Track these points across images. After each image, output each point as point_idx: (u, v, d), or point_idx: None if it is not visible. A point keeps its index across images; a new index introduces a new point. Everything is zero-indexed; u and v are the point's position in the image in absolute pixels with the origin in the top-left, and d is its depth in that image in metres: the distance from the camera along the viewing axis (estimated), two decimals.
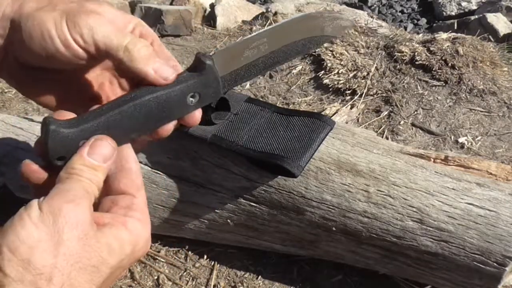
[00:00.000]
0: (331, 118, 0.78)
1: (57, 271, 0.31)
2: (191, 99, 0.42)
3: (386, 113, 1.25)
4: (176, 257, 0.91)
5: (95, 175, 0.38)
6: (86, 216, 0.35)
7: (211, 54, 0.43)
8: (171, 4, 1.88)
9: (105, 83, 0.48)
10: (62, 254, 0.32)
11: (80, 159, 0.38)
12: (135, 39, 0.42)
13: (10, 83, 0.47)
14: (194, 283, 0.88)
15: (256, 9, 1.99)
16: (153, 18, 1.68)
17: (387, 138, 1.18)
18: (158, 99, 0.40)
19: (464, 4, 2.47)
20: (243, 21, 1.79)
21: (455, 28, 2.09)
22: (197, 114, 0.45)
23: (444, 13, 2.49)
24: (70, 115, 0.40)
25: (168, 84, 0.41)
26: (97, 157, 0.38)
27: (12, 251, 0.31)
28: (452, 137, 1.18)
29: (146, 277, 0.89)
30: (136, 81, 0.43)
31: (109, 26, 0.41)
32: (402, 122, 1.22)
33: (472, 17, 2.07)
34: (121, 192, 0.40)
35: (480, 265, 0.69)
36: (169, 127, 0.44)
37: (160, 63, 0.42)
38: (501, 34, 1.81)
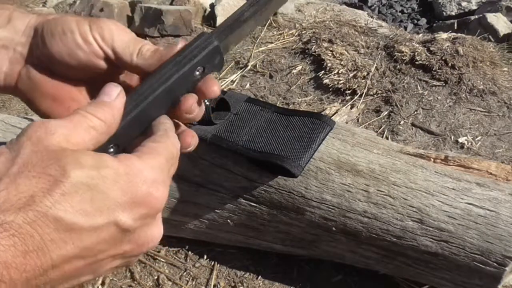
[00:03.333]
0: (331, 118, 0.78)
1: (6, 177, 0.28)
2: (196, 73, 0.42)
3: (386, 113, 1.25)
4: (176, 257, 0.91)
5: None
6: (51, 126, 0.31)
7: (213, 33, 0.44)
8: (171, 4, 1.88)
9: None
10: (16, 163, 0.29)
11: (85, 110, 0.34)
12: (146, 45, 0.43)
13: (22, 96, 0.46)
14: (194, 283, 0.88)
15: None
16: (153, 18, 1.68)
17: (387, 138, 1.18)
18: (171, 85, 0.40)
19: (464, 4, 2.46)
20: None
21: (455, 28, 2.09)
22: (212, 82, 0.43)
23: (444, 13, 2.49)
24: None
25: (177, 59, 0.41)
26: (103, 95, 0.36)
27: None
28: (452, 137, 1.18)
29: (146, 277, 0.89)
30: None
31: (126, 34, 0.43)
32: (402, 122, 1.22)
33: (472, 17, 2.07)
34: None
35: (480, 265, 0.69)
36: (190, 102, 0.41)
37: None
38: (501, 34, 1.81)
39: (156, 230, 0.36)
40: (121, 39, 0.42)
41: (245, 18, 0.46)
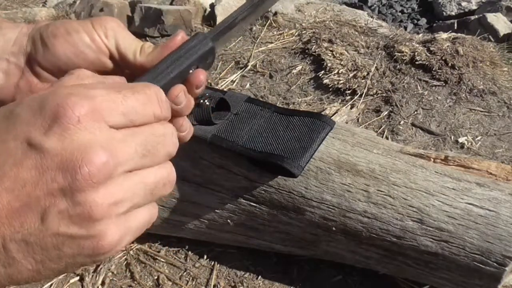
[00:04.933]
0: (331, 118, 0.78)
1: None
2: (190, 71, 0.44)
3: (386, 113, 1.25)
4: (176, 257, 0.91)
5: None
6: None
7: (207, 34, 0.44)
8: (171, 4, 1.88)
9: None
10: None
11: None
12: (147, 43, 0.44)
13: None
14: (194, 283, 0.88)
15: None
16: (153, 18, 1.68)
17: (387, 138, 1.18)
18: (168, 84, 0.41)
19: (464, 4, 2.47)
20: None
21: (455, 28, 2.09)
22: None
23: (444, 13, 2.49)
24: None
25: (174, 58, 0.42)
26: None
27: None
28: (452, 137, 1.18)
29: (146, 277, 0.89)
30: None
31: (130, 33, 0.43)
32: (402, 122, 1.22)
33: (472, 17, 2.07)
34: None
35: (480, 265, 0.69)
36: (177, 91, 0.41)
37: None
38: (501, 34, 1.81)
39: (86, 136, 0.27)
40: (123, 37, 0.42)
41: (238, 21, 0.47)
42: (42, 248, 0.26)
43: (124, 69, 0.45)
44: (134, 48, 0.42)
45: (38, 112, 0.26)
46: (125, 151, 0.28)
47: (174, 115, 0.41)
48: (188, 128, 0.43)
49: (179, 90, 0.39)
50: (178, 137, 0.33)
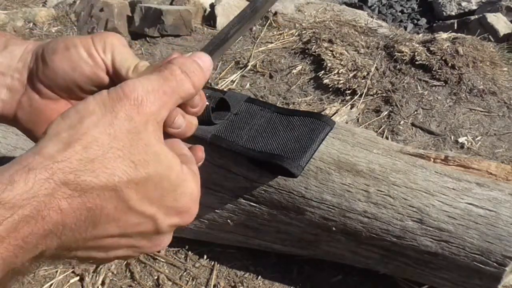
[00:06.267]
0: (331, 118, 0.78)
1: (96, 144, 0.31)
2: None
3: (386, 113, 1.25)
4: (176, 257, 0.91)
5: (191, 77, 0.36)
6: (149, 113, 0.33)
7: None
8: (171, 4, 1.88)
9: None
10: (107, 133, 0.31)
11: (180, 60, 0.37)
12: (144, 62, 0.44)
13: (21, 125, 0.45)
14: (194, 283, 0.88)
15: None
16: (153, 18, 1.68)
17: (387, 138, 1.18)
18: None
19: (464, 4, 2.47)
20: None
21: (455, 28, 2.09)
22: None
23: (444, 13, 2.49)
24: None
25: None
26: (196, 62, 0.38)
27: (63, 117, 0.32)
28: (452, 137, 1.18)
29: (146, 277, 0.89)
30: None
31: (130, 51, 0.44)
32: (402, 122, 1.22)
33: (472, 17, 2.07)
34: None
35: (480, 265, 0.69)
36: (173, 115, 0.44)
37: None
38: (501, 34, 1.81)
39: (169, 239, 0.38)
40: (121, 53, 0.43)
41: (231, 34, 0.48)
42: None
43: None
44: (128, 65, 0.43)
45: (176, 206, 0.35)
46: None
47: (180, 137, 0.43)
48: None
49: (174, 115, 0.39)
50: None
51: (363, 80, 1.32)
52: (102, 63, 0.43)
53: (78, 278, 0.89)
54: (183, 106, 0.40)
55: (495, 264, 0.68)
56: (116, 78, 0.43)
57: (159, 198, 0.34)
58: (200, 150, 0.44)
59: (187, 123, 0.41)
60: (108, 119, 0.32)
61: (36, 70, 0.43)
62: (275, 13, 1.66)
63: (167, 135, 0.40)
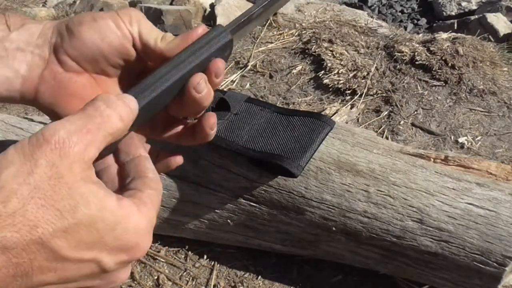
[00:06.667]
0: (331, 118, 0.78)
1: (15, 197, 0.29)
2: (210, 62, 0.45)
3: (386, 113, 1.25)
4: (176, 257, 0.91)
5: (116, 113, 0.34)
6: (73, 155, 0.31)
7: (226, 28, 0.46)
8: (171, 4, 1.88)
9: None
10: (27, 183, 0.30)
11: (103, 96, 0.34)
12: (169, 34, 0.45)
13: (43, 102, 0.45)
14: (194, 283, 0.88)
15: None
16: (153, 18, 1.68)
17: (387, 138, 1.18)
18: (186, 74, 0.42)
19: (464, 4, 2.47)
20: None
21: (455, 28, 2.09)
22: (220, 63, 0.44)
23: (444, 13, 2.49)
24: None
25: (195, 48, 0.42)
26: (121, 99, 0.35)
27: None
28: (452, 137, 1.18)
29: (146, 277, 0.89)
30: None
31: (152, 25, 0.45)
32: (402, 122, 1.22)
33: (472, 17, 2.07)
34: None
35: (480, 265, 0.69)
36: (197, 79, 0.42)
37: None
38: (501, 34, 1.82)
39: (126, 273, 0.37)
40: (146, 26, 0.44)
41: (254, 16, 0.48)
42: None
43: (146, 59, 0.45)
44: (156, 36, 0.43)
45: (119, 244, 0.33)
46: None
47: (196, 108, 0.42)
48: (214, 126, 0.45)
49: (200, 77, 0.40)
50: (205, 133, 0.44)
51: (363, 80, 1.32)
52: (129, 35, 0.43)
53: None
54: (208, 74, 0.42)
55: (495, 264, 0.68)
56: (144, 50, 0.44)
57: (97, 240, 0.32)
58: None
59: (208, 90, 0.41)
60: (27, 168, 0.30)
61: (62, 42, 0.43)
62: (275, 13, 1.66)
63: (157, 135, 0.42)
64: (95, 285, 0.35)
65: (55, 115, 0.45)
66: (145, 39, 0.43)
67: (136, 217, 0.34)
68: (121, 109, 0.34)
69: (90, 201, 0.31)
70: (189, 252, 0.92)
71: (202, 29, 0.43)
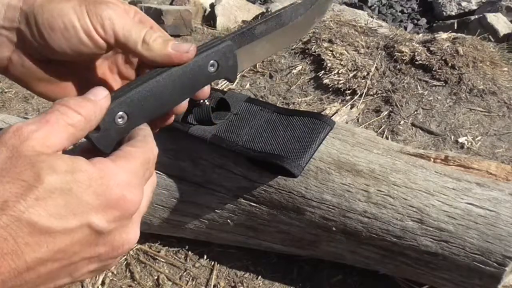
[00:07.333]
0: (331, 118, 0.78)
1: None
2: (211, 67, 0.43)
3: (386, 113, 1.25)
4: (176, 257, 0.91)
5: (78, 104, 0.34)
6: (33, 138, 0.31)
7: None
8: (171, 4, 1.88)
9: (106, 72, 0.49)
10: None
11: (60, 100, 0.35)
12: (150, 31, 0.42)
13: (16, 79, 0.45)
14: (194, 283, 0.88)
15: (256, 9, 1.99)
16: (153, 18, 1.67)
17: (387, 138, 1.18)
18: (185, 68, 0.41)
19: (464, 4, 2.47)
20: (243, 21, 1.79)
21: (455, 28, 2.09)
22: (206, 89, 0.45)
23: (444, 13, 2.49)
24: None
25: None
26: (83, 96, 0.36)
27: None
28: (452, 137, 1.18)
29: (146, 277, 0.89)
30: (144, 66, 0.44)
31: (126, 17, 0.42)
32: (402, 122, 1.22)
33: (472, 17, 2.07)
34: None
35: (480, 265, 0.69)
36: (184, 104, 0.44)
37: (176, 42, 0.42)
38: (501, 34, 1.82)
39: (132, 233, 0.35)
40: (121, 26, 0.41)
41: (257, 33, 0.47)
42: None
43: (130, 56, 0.45)
44: (134, 39, 0.41)
45: (103, 200, 0.32)
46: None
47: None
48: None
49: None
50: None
51: (363, 80, 1.32)
52: (103, 44, 0.42)
53: None
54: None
55: (495, 264, 0.68)
56: (126, 51, 0.43)
57: (77, 202, 0.31)
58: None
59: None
60: None
61: (31, 37, 0.41)
62: None
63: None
64: (103, 253, 0.34)
65: (28, 88, 0.45)
66: (123, 42, 0.41)
67: (111, 170, 0.33)
68: (76, 102, 0.35)
69: (56, 166, 0.31)
70: (189, 252, 0.92)
71: (192, 52, 0.42)
